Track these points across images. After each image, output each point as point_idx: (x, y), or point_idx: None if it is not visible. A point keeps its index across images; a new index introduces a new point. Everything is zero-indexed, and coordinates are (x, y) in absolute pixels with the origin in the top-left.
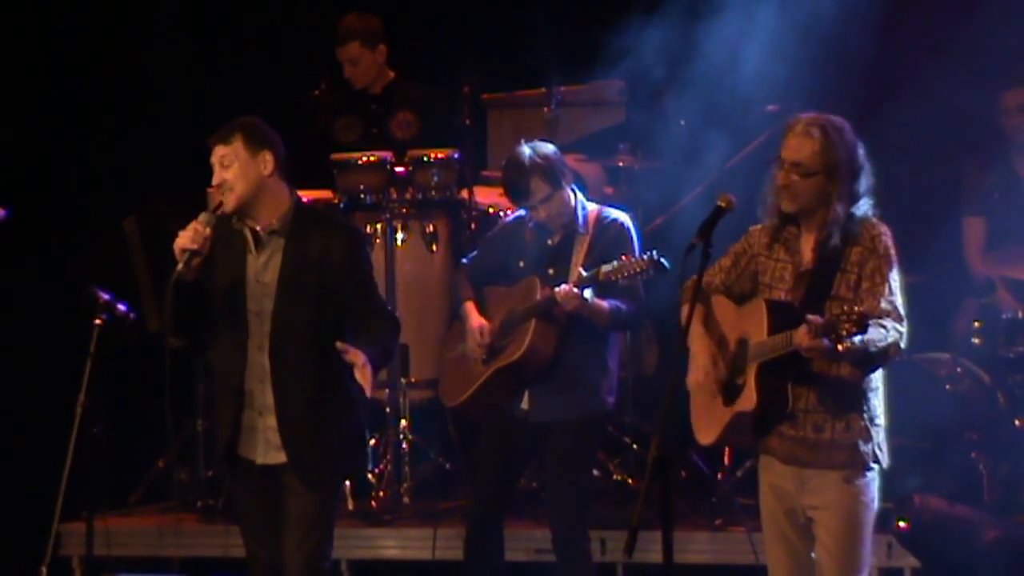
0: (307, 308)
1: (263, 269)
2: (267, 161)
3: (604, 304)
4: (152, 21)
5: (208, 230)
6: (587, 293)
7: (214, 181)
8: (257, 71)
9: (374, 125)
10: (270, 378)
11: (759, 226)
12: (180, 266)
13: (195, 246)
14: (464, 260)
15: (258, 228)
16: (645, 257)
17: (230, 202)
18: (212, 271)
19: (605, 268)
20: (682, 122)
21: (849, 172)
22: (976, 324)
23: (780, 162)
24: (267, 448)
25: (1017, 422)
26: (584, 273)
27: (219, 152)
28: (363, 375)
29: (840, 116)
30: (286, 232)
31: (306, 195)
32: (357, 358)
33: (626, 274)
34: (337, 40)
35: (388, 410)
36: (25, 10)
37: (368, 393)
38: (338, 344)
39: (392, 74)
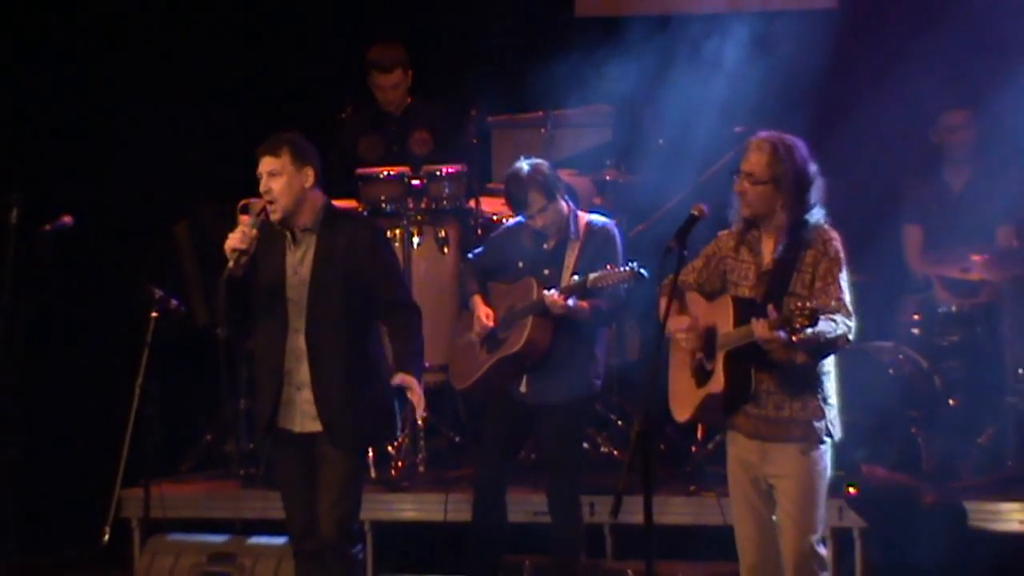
0: (337, 295)
1: (299, 263)
2: (309, 175)
3: (585, 305)
4: (203, 52)
5: (255, 231)
6: (570, 301)
7: (261, 188)
8: (290, 97)
9: (394, 143)
10: (307, 357)
11: (727, 231)
12: (230, 264)
13: (243, 246)
14: (470, 255)
15: (296, 228)
16: (627, 268)
17: (277, 213)
18: (255, 268)
19: (592, 276)
20: (660, 141)
21: (796, 183)
22: (915, 316)
23: (739, 172)
24: (303, 418)
25: (951, 401)
26: (575, 279)
27: (268, 162)
28: (417, 398)
29: (796, 136)
30: (318, 230)
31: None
32: (410, 383)
33: (610, 282)
34: (382, 67)
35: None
36: (74, 41)
37: (420, 413)
38: (396, 381)
39: (409, 99)
